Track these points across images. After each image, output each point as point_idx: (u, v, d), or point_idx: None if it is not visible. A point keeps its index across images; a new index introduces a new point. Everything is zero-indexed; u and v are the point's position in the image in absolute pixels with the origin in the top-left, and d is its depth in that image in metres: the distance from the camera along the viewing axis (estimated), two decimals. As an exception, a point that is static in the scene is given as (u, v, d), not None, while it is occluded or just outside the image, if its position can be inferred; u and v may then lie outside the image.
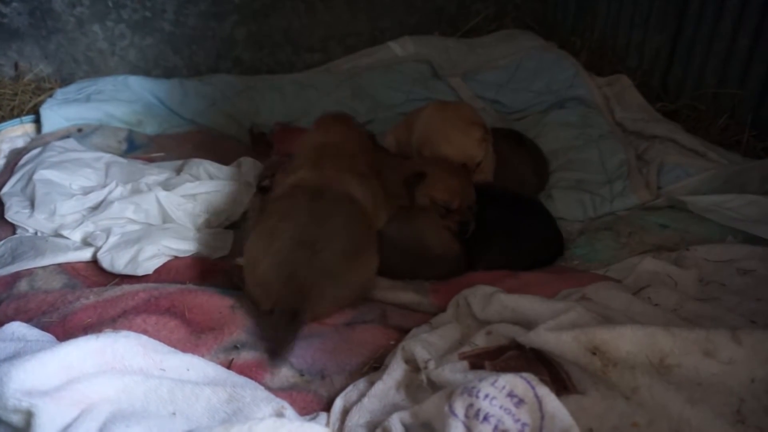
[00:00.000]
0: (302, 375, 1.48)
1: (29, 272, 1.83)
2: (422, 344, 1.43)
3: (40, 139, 2.63)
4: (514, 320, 1.48)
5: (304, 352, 1.54)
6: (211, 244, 2.03)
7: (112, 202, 2.10)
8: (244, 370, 1.45)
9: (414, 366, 1.39)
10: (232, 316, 1.63)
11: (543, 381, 1.14)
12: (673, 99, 2.85)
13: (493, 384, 1.12)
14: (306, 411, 1.38)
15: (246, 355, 1.51)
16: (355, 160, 1.95)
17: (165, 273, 1.87)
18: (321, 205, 1.74)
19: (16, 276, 1.82)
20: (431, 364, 1.35)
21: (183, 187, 2.20)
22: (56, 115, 2.76)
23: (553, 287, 1.71)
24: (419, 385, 1.35)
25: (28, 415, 1.09)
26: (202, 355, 1.47)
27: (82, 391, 1.17)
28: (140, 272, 1.84)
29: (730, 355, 1.18)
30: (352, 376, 1.47)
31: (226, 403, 1.24)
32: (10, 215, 2.09)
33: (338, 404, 1.36)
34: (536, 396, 1.10)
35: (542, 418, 1.08)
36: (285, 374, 1.48)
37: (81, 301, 1.66)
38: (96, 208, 2.12)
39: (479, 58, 3.40)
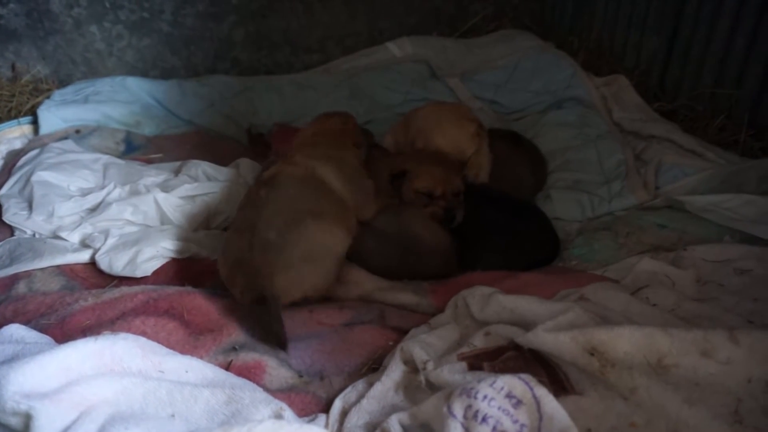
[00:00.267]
0: (301, 376, 1.48)
1: (27, 274, 1.83)
2: (421, 345, 1.43)
3: (37, 141, 2.63)
4: (513, 321, 1.48)
5: (302, 353, 1.54)
6: (209, 246, 2.03)
7: (110, 204, 2.10)
8: (242, 372, 1.45)
9: (413, 367, 1.40)
10: (230, 318, 1.63)
11: (541, 382, 1.15)
12: (670, 99, 2.86)
13: (491, 385, 1.12)
14: (305, 412, 1.38)
15: (245, 357, 1.51)
16: (341, 151, 2.00)
17: (163, 275, 1.88)
18: (267, 191, 1.78)
19: (15, 278, 1.82)
20: (430, 365, 1.35)
21: (181, 189, 2.20)
22: (54, 116, 2.76)
23: (551, 288, 1.71)
24: (418, 386, 1.36)
25: (27, 418, 1.09)
26: (201, 357, 1.47)
27: (80, 393, 1.17)
28: (139, 274, 1.84)
29: (727, 356, 1.19)
30: (351, 377, 1.47)
31: (224, 404, 1.24)
32: (8, 217, 2.09)
33: (337, 405, 1.36)
34: (534, 397, 1.10)
35: (540, 418, 1.08)
36: (284, 375, 1.48)
37: (79, 302, 1.66)
38: (94, 209, 2.13)
39: (477, 59, 3.40)
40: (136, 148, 2.73)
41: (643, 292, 1.64)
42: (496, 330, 1.46)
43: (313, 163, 1.88)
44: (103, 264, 1.88)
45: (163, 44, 3.34)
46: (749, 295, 1.58)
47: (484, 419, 1.08)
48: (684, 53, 2.77)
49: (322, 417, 1.35)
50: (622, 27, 3.14)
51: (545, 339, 1.31)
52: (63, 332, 1.55)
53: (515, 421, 1.08)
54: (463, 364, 1.35)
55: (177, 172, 2.40)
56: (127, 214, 2.07)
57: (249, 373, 1.46)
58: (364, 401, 1.33)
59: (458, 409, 1.12)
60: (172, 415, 1.21)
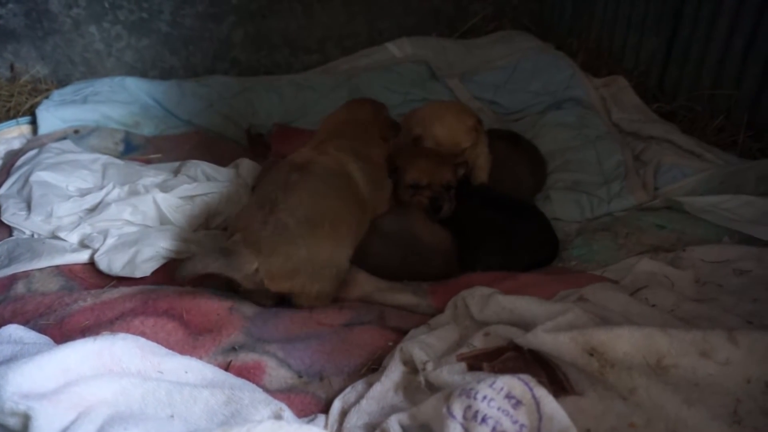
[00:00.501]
0: (300, 377, 1.48)
1: (26, 274, 1.83)
2: (420, 346, 1.43)
3: (36, 141, 2.63)
4: (512, 321, 1.48)
5: (302, 354, 1.54)
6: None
7: (109, 204, 2.10)
8: (242, 372, 1.45)
9: (412, 367, 1.40)
10: (230, 318, 1.63)
11: (541, 382, 1.15)
12: (669, 100, 2.86)
13: (491, 386, 1.12)
14: (304, 413, 1.38)
15: (244, 357, 1.50)
16: (369, 148, 2.00)
17: (163, 275, 1.87)
18: (297, 177, 1.76)
19: (13, 278, 1.82)
20: (429, 366, 1.35)
21: (180, 189, 2.20)
22: (53, 116, 2.76)
23: (550, 288, 1.71)
24: (417, 387, 1.35)
25: (26, 418, 1.09)
26: (201, 357, 1.47)
27: (79, 393, 1.16)
28: (138, 274, 1.84)
29: (726, 356, 1.19)
30: (351, 378, 1.47)
31: (224, 405, 1.24)
32: (6, 217, 2.09)
33: (336, 406, 1.36)
34: (534, 397, 1.10)
35: (540, 419, 1.08)
36: (283, 376, 1.48)
37: (78, 303, 1.66)
38: (93, 209, 2.12)
39: (477, 59, 3.40)
40: (135, 149, 2.73)
41: (643, 293, 1.64)
42: (496, 330, 1.46)
43: (344, 157, 1.89)
44: (102, 264, 1.87)
45: (162, 44, 3.34)
46: (748, 295, 1.58)
47: (483, 420, 1.08)
48: (683, 54, 2.78)
49: (321, 417, 1.35)
50: (621, 28, 3.14)
51: (545, 339, 1.31)
52: (62, 332, 1.55)
53: (515, 422, 1.08)
54: (463, 365, 1.35)
55: (176, 173, 2.40)
56: (126, 215, 2.07)
57: (248, 373, 1.46)
58: (364, 402, 1.33)
59: (458, 409, 1.12)
60: (172, 416, 1.21)
